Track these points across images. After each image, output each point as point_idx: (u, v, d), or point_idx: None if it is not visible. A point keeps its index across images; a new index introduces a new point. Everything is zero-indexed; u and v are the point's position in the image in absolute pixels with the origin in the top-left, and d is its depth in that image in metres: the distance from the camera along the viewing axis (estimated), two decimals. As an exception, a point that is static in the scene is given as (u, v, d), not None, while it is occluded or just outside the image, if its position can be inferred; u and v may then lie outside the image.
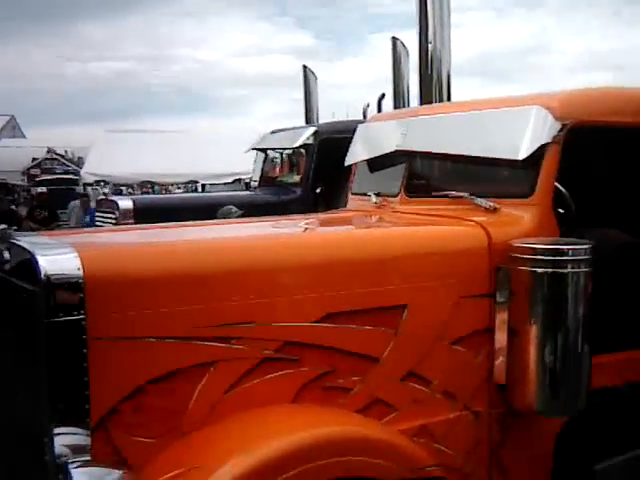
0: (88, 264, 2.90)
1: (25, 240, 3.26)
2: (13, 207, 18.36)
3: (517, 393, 3.69)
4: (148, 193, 24.96)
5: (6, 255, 3.29)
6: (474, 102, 4.68)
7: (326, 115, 13.78)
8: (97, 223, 10.98)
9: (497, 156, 4.08)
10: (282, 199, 10.44)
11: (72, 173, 38.77)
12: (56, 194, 24.07)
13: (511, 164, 4.01)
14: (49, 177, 35.21)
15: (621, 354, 4.08)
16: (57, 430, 2.82)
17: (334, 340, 3.39)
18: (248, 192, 14.10)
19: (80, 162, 37.84)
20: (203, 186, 22.48)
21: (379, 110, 11.05)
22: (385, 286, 3.55)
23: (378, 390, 3.50)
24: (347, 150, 5.54)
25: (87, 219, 16.25)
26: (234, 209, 7.21)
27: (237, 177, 21.13)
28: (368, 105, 11.88)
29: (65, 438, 2.84)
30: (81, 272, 2.86)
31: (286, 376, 3.28)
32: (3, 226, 3.54)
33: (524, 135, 3.94)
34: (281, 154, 11.92)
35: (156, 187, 27.01)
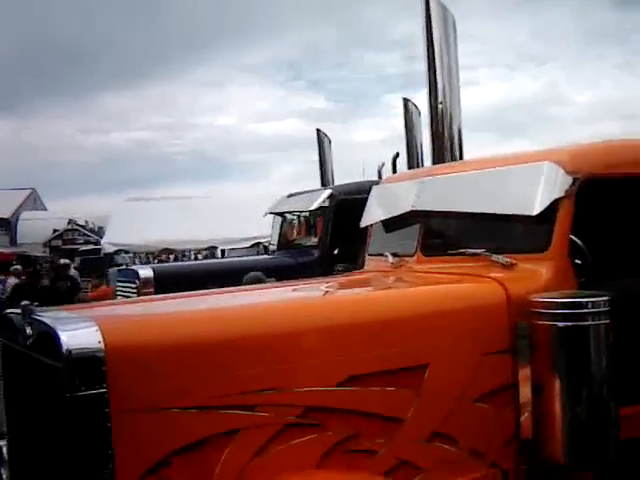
0: (109, 337, 2.92)
1: (46, 315, 3.29)
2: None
3: (545, 448, 3.65)
4: (163, 261, 25.18)
5: (28, 330, 3.31)
6: (486, 160, 4.73)
7: (342, 174, 13.86)
8: (118, 293, 11.02)
9: (511, 212, 4.10)
10: (300, 262, 10.44)
11: (93, 243, 39.16)
12: (88, 263, 24.45)
13: (525, 220, 4.03)
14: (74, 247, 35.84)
15: None
16: (83, 504, 2.81)
17: (357, 403, 3.38)
18: (266, 256, 14.13)
19: (101, 232, 38.23)
20: (223, 252, 22.56)
21: (394, 169, 11.10)
22: (406, 346, 3.55)
23: (404, 452, 3.48)
24: (362, 211, 5.58)
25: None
26: (261, 275, 7.22)
27: (256, 241, 21.19)
28: (383, 164, 11.96)
29: (92, 513, 2.82)
30: (102, 345, 2.89)
31: (310, 441, 3.27)
32: (25, 302, 3.57)
33: (537, 191, 3.97)
34: (298, 217, 11.98)
35: (171, 256, 27.28)
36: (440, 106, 6.74)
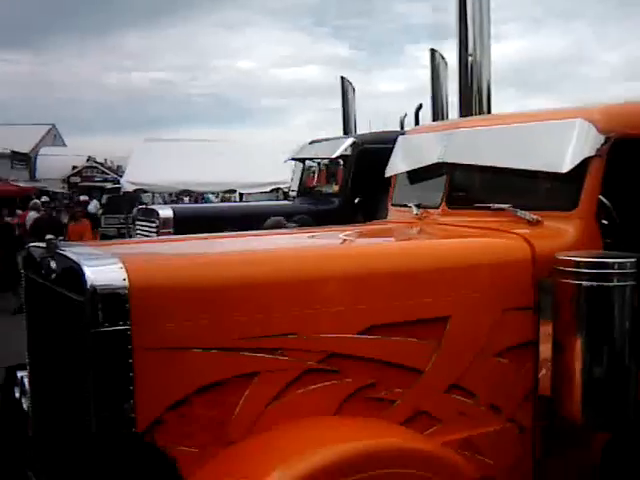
0: (133, 275, 2.93)
1: (71, 250, 3.30)
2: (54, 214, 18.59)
3: (563, 406, 3.65)
4: (180, 202, 25.33)
5: (52, 265, 3.33)
6: (516, 114, 4.67)
7: (363, 125, 13.76)
8: (137, 232, 11.07)
9: (540, 169, 4.06)
10: (320, 209, 10.44)
11: (111, 181, 39.28)
12: (116, 200, 24.66)
13: (554, 177, 3.99)
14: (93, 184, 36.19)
15: None
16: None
17: (377, 352, 3.39)
18: (287, 202, 14.13)
19: (119, 170, 38.32)
20: (241, 195, 22.58)
21: (417, 121, 11.01)
22: (428, 298, 3.55)
23: (422, 402, 3.50)
24: (385, 161, 5.54)
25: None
26: (283, 220, 7.19)
27: (275, 186, 21.18)
28: (405, 115, 11.87)
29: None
30: (127, 283, 2.90)
31: (329, 387, 3.29)
32: (49, 236, 3.58)
33: (567, 148, 3.91)
34: (319, 164, 11.94)
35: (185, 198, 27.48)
36: (470, 59, 6.64)
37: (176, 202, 25.96)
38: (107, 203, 30.33)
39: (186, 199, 27.49)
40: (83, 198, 31.02)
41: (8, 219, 19.68)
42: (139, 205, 14.07)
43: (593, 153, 3.88)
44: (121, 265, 2.97)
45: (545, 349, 3.69)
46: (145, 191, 22.99)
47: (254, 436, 3.09)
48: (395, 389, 3.43)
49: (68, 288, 3.11)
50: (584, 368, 3.53)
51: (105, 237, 23.05)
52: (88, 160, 44.91)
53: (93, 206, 30.65)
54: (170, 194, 27.51)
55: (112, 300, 2.87)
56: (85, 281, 2.88)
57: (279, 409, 3.18)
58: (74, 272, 2.99)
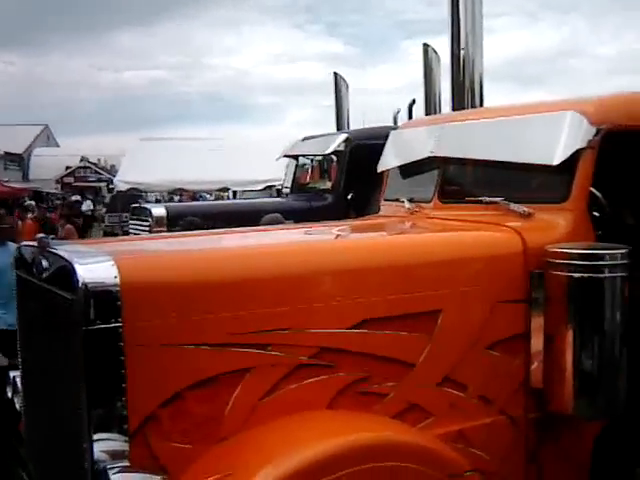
0: (125, 272, 2.92)
1: (63, 248, 3.29)
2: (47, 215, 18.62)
3: (554, 397, 3.67)
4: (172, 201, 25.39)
5: (44, 263, 3.32)
6: (508, 108, 4.66)
7: (357, 121, 13.78)
8: (131, 230, 11.07)
9: (531, 161, 4.06)
10: (314, 205, 10.43)
11: (105, 181, 39.29)
12: (119, 199, 24.71)
13: (546, 169, 3.99)
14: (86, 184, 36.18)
15: None
16: (96, 436, 2.85)
17: (370, 346, 3.39)
18: (280, 199, 14.13)
19: (113, 170, 38.33)
20: (234, 193, 22.59)
21: (410, 116, 11.02)
22: (420, 292, 3.55)
23: (414, 395, 3.50)
24: (378, 156, 5.53)
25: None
26: (279, 217, 7.20)
27: (268, 184, 21.20)
28: (399, 111, 11.87)
29: (104, 444, 2.86)
30: (118, 280, 2.89)
31: (322, 382, 3.29)
32: (41, 235, 3.57)
33: (559, 140, 3.92)
34: (312, 161, 11.94)
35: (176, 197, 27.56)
36: (462, 52, 6.66)
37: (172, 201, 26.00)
38: (110, 202, 30.44)
39: (176, 198, 27.53)
40: (75, 198, 31.03)
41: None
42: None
43: (584, 145, 3.88)
44: (113, 262, 2.96)
45: (536, 341, 3.70)
46: (139, 190, 22.99)
47: (246, 432, 3.09)
48: (387, 383, 3.43)
49: (60, 286, 3.10)
50: (574, 359, 3.55)
51: (109, 234, 23.02)
52: (81, 160, 44.85)
53: (86, 206, 30.67)
54: (169, 193, 27.59)
55: (104, 297, 2.87)
56: (77, 279, 2.87)
57: (271, 404, 3.18)
58: (66, 270, 2.99)
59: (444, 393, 3.57)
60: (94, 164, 45.78)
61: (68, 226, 15.93)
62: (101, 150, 47.61)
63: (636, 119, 4.02)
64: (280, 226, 4.98)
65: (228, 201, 19.81)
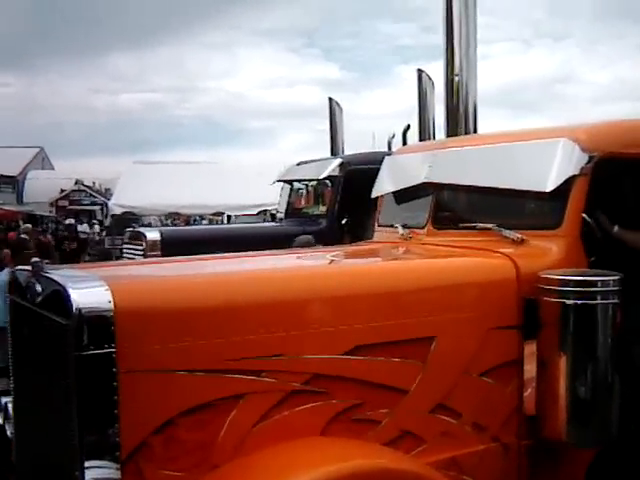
0: (119, 297, 2.92)
1: (57, 273, 3.29)
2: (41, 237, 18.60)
3: (547, 424, 3.67)
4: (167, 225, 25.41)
5: (38, 288, 3.31)
6: (501, 134, 4.70)
7: (352, 146, 13.82)
8: (125, 254, 11.05)
9: (524, 188, 4.08)
10: (308, 230, 10.42)
11: (100, 204, 39.26)
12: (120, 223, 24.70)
13: (538, 196, 4.02)
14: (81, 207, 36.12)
15: None
16: (87, 463, 2.83)
17: (363, 372, 3.39)
18: (274, 223, 14.14)
19: (108, 193, 38.31)
20: (229, 217, 22.59)
21: (404, 141, 11.07)
22: (413, 318, 3.55)
23: (407, 422, 3.49)
24: (372, 181, 5.55)
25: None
26: (311, 239, 7.22)
27: (263, 208, 21.21)
28: (393, 136, 11.92)
29: (95, 471, 2.84)
30: (112, 305, 2.88)
31: (315, 409, 3.28)
32: (35, 259, 3.58)
33: (552, 167, 3.95)
34: (307, 185, 11.96)
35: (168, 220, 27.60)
36: (456, 78, 6.69)
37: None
38: (112, 224, 30.47)
39: (168, 222, 27.55)
40: (69, 221, 31.01)
41: None
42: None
43: (577, 172, 3.91)
44: (107, 287, 2.96)
45: (529, 368, 3.70)
46: (134, 214, 22.97)
47: (239, 459, 3.08)
48: (380, 410, 3.42)
49: (54, 311, 3.09)
50: (567, 386, 3.55)
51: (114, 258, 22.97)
52: (76, 183, 44.79)
53: (83, 229, 30.64)
54: (166, 217, 27.60)
55: (98, 323, 2.86)
56: (71, 304, 2.87)
57: (265, 431, 3.17)
58: (59, 295, 2.98)
59: (437, 420, 3.56)
60: (89, 187, 45.73)
61: (6, 250, 15.87)
62: (96, 173, 47.57)
63: (628, 146, 4.05)
64: (274, 251, 4.97)
65: (222, 225, 19.81)
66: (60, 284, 3.05)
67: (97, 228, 33.26)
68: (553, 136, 4.11)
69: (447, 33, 6.93)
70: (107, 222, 31.60)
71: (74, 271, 3.62)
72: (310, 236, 7.36)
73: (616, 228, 4.09)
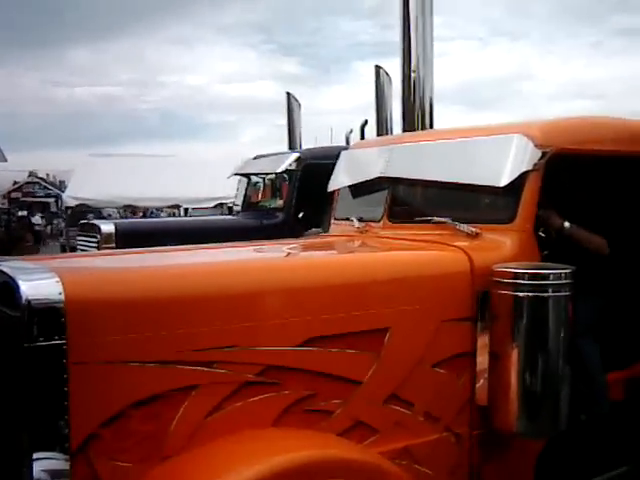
0: (69, 289, 2.88)
1: (6, 265, 3.24)
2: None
3: (498, 415, 3.72)
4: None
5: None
6: (457, 130, 4.74)
7: (309, 140, 13.84)
8: (79, 247, 10.93)
9: (479, 183, 4.12)
10: (264, 224, 10.44)
11: (54, 196, 38.75)
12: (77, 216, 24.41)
13: (493, 191, 4.06)
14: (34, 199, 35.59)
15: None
16: (36, 455, 2.79)
17: (316, 364, 3.39)
18: (230, 217, 14.10)
19: (62, 186, 37.82)
20: (186, 210, 22.49)
21: (362, 136, 11.11)
22: (367, 310, 3.57)
23: (360, 413, 3.51)
24: (329, 175, 5.57)
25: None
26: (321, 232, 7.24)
27: (220, 201, 21.16)
28: (351, 131, 11.97)
29: (44, 463, 2.80)
30: (62, 297, 2.85)
31: (267, 400, 3.28)
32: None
33: (505, 163, 3.99)
34: (264, 179, 11.95)
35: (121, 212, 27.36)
36: (413, 75, 6.71)
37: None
38: (71, 216, 30.12)
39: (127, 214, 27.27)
40: (21, 213, 30.60)
41: None
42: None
43: (530, 168, 3.96)
44: (57, 279, 2.92)
45: (482, 360, 3.75)
46: (88, 206, 22.76)
47: (190, 450, 3.06)
48: (334, 400, 3.43)
49: (3, 303, 3.05)
50: (518, 377, 3.61)
51: (69, 250, 22.70)
52: (29, 175, 44.18)
53: (35, 220, 30.27)
54: (123, 210, 27.33)
55: (48, 314, 2.82)
56: (20, 295, 2.83)
57: (217, 422, 3.15)
58: (9, 287, 2.94)
59: (390, 410, 3.58)
60: (42, 179, 45.13)
61: None
62: (51, 165, 46.90)
63: (580, 143, 4.11)
64: (229, 244, 4.94)
65: (178, 218, 19.69)
66: (9, 275, 3.00)
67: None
68: (507, 132, 4.15)
69: (404, 30, 6.94)
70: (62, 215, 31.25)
71: (24, 263, 3.56)
72: (320, 229, 7.35)
73: (566, 223, 4.16)
